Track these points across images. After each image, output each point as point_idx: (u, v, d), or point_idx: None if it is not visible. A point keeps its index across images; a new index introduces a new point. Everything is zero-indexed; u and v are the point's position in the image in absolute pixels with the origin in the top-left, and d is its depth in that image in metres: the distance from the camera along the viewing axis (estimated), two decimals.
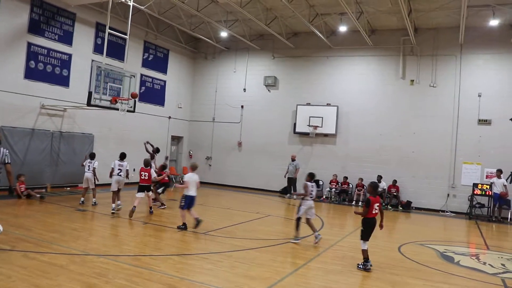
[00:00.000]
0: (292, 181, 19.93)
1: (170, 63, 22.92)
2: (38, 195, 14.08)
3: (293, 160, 20.18)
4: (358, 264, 8.35)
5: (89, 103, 14.35)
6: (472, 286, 7.65)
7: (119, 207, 12.63)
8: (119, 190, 12.71)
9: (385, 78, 19.94)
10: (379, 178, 18.59)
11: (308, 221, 10.28)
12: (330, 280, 7.38)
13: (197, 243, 9.47)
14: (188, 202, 10.73)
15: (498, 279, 8.17)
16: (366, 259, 8.25)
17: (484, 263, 9.46)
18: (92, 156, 13.95)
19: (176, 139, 24.10)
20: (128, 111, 15.41)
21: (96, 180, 13.62)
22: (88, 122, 17.86)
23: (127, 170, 12.87)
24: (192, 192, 10.76)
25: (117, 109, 15.00)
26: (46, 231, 9.51)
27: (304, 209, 10.11)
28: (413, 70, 19.37)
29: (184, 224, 10.78)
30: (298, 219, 10.24)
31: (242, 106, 23.01)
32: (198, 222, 10.65)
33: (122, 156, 13.12)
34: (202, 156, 24.03)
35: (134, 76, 15.68)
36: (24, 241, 8.47)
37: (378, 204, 8.36)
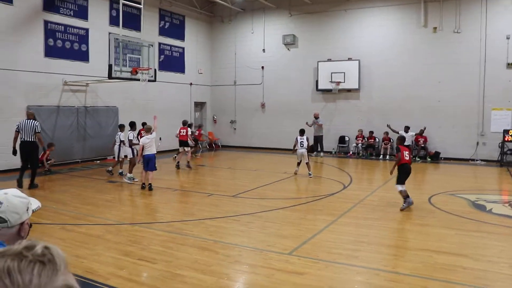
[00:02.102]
0: (318, 139, 19.86)
1: (187, 29, 22.70)
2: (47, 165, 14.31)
3: (316, 118, 20.05)
4: (401, 207, 9.10)
5: (110, 76, 14.44)
6: (505, 233, 7.59)
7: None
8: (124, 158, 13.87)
9: (406, 28, 19.26)
10: (407, 129, 18.12)
11: (306, 164, 13.75)
12: (360, 235, 7.43)
13: (227, 206, 9.63)
14: (144, 163, 11.42)
15: None
16: (405, 197, 9.10)
17: None
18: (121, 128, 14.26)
19: (200, 105, 24.16)
20: (149, 80, 15.49)
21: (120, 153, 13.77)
22: (111, 95, 18.03)
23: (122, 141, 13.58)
24: (147, 151, 11.36)
25: (138, 80, 15.08)
26: (81, 204, 9.83)
27: (297, 156, 13.83)
28: (435, 17, 18.64)
29: (143, 184, 11.62)
30: (298, 163, 14.00)
31: (262, 67, 22.76)
32: (143, 187, 11.56)
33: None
34: (226, 120, 24.09)
35: (152, 45, 15.65)
36: (61, 214, 8.79)
37: (408, 152, 9.43)
